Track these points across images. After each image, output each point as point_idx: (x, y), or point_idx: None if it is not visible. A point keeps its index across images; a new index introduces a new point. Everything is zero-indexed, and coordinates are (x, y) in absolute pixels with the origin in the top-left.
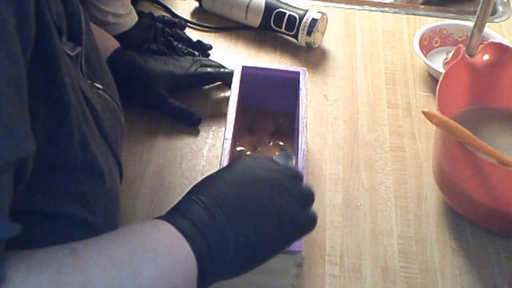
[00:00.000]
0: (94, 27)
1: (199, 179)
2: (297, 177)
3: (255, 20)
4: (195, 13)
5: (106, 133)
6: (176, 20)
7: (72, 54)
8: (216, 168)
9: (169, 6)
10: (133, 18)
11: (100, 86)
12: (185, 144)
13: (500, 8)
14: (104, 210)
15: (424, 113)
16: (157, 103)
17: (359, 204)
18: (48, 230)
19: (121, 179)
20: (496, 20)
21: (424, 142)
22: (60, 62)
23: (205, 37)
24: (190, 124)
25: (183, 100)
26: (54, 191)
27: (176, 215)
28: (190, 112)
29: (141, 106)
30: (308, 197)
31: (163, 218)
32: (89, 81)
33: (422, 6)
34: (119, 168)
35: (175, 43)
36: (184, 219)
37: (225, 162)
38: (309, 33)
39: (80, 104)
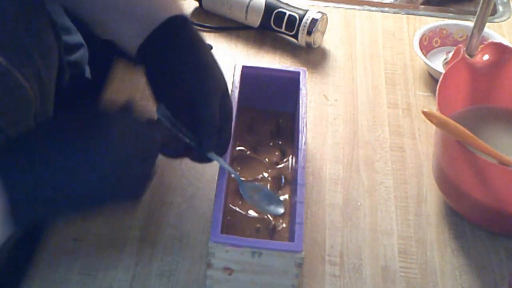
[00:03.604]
0: None
1: (199, 179)
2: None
3: (255, 20)
4: (195, 13)
5: None
6: None
7: None
8: (217, 168)
9: None
10: None
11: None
12: None
13: (500, 8)
14: None
15: (424, 113)
16: None
17: (359, 204)
18: None
19: None
20: (496, 20)
21: (424, 142)
22: None
23: (205, 37)
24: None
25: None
26: None
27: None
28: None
29: None
30: (150, 150)
31: None
32: None
33: (422, 6)
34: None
35: None
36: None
37: (225, 162)
38: (309, 33)
39: None
